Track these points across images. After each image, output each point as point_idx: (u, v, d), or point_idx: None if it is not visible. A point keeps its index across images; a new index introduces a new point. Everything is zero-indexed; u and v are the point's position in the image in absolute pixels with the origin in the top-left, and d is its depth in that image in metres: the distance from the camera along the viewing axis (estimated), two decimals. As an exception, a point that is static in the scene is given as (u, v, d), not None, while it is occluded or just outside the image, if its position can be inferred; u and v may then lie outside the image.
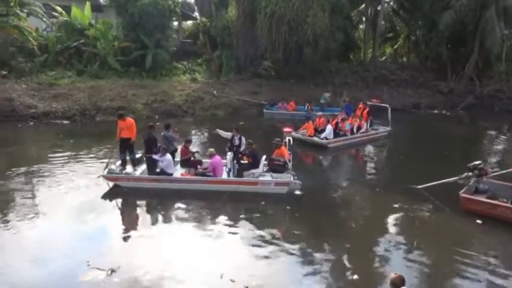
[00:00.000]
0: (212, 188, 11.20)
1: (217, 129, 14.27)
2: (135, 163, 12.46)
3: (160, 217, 10.15)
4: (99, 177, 11.69)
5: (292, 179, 11.15)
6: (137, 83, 25.51)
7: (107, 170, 11.65)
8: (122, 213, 10.41)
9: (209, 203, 10.65)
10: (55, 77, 24.45)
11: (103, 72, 26.16)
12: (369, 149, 17.66)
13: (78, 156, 14.62)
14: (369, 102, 19.82)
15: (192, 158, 12.27)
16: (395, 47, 37.71)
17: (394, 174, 13.88)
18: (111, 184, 11.63)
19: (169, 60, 29.35)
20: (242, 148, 12.74)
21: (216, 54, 31.50)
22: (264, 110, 24.44)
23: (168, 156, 11.58)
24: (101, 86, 24.08)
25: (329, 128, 16.97)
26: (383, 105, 19.53)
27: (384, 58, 37.52)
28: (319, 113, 19.09)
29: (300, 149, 15.99)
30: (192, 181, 11.42)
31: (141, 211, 10.60)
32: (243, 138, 13.00)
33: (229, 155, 11.74)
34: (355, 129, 17.96)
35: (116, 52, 26.95)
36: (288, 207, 10.59)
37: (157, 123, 13.84)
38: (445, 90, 29.41)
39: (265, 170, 11.95)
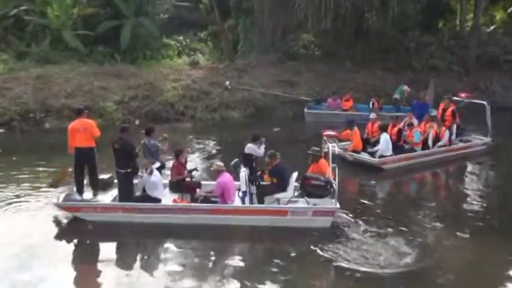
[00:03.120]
0: (219, 220, 11.43)
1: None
2: (100, 187, 12.74)
3: (140, 268, 10.10)
4: (55, 205, 11.84)
5: (338, 205, 11.37)
6: (108, 70, 25.76)
7: (62, 196, 11.85)
8: (83, 263, 10.38)
9: (213, 246, 10.84)
10: (-18, 62, 24.98)
11: (56, 54, 26.48)
12: (455, 172, 17.35)
13: (17, 180, 14.73)
14: (456, 98, 19.39)
15: (187, 179, 12.61)
16: (509, 10, 36.99)
17: (503, 213, 13.40)
18: (68, 217, 11.81)
19: (157, 35, 29.56)
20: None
21: (228, 25, 31.64)
22: (305, 110, 24.40)
23: (157, 173, 11.90)
24: (52, 75, 24.35)
25: (384, 139, 16.56)
26: (478, 101, 19.14)
27: (492, 28, 36.74)
28: (372, 115, 18.79)
29: (339, 170, 15.88)
30: (191, 210, 11.61)
31: (112, 258, 10.53)
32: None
33: (244, 171, 11.85)
34: (430, 142, 17.61)
35: (75, 24, 27.26)
36: (332, 256, 10.17)
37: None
38: None
39: (296, 194, 12.19)
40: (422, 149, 17.37)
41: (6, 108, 21.82)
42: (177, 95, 24.57)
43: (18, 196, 13.43)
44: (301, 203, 11.84)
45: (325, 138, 13.06)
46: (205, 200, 11.74)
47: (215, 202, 11.65)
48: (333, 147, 11.93)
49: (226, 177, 11.70)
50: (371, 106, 23.10)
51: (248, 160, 12.79)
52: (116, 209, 11.68)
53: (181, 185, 12.41)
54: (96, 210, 11.67)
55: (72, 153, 12.62)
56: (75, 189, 12.49)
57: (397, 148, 16.83)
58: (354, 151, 16.77)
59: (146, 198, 11.62)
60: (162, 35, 30.60)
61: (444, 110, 18.47)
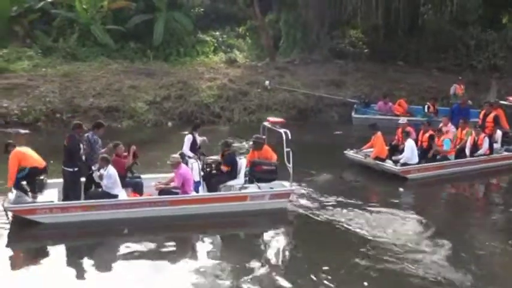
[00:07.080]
0: (180, 211, 12.67)
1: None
2: (36, 188, 12.81)
3: (100, 270, 10.49)
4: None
5: (293, 187, 13.42)
6: (139, 68, 26.11)
7: (12, 199, 11.98)
8: (37, 272, 10.44)
9: (173, 238, 11.95)
10: (7, 58, 25.39)
11: (84, 50, 26.88)
12: (495, 184, 17.26)
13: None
14: (503, 102, 19.30)
15: (129, 174, 13.52)
16: None
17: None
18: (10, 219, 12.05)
19: (192, 31, 29.75)
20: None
21: (269, 20, 31.65)
22: (353, 114, 24.47)
23: (113, 170, 12.48)
24: (80, 72, 24.83)
25: (410, 146, 16.37)
26: None
27: None
28: (401, 120, 18.46)
29: (357, 176, 17.00)
30: (152, 203, 12.69)
31: (72, 266, 10.77)
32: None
33: (196, 162, 13.57)
34: (467, 150, 17.34)
35: (105, 18, 27.63)
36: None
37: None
38: None
39: (245, 180, 13.85)
40: (456, 157, 17.12)
41: (31, 107, 21.95)
42: (213, 95, 24.67)
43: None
44: (253, 188, 13.44)
45: (267, 124, 14.22)
46: (165, 191, 12.85)
47: (175, 194, 12.79)
48: (285, 133, 13.15)
49: (185, 168, 12.96)
50: (426, 110, 23.14)
51: (192, 150, 14.17)
52: (76, 208, 12.08)
53: (124, 180, 13.02)
54: (52, 211, 11.90)
55: None
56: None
57: (428, 156, 16.66)
58: (377, 158, 16.64)
59: (105, 195, 12.35)
60: (197, 30, 30.66)
61: (486, 116, 18.38)
